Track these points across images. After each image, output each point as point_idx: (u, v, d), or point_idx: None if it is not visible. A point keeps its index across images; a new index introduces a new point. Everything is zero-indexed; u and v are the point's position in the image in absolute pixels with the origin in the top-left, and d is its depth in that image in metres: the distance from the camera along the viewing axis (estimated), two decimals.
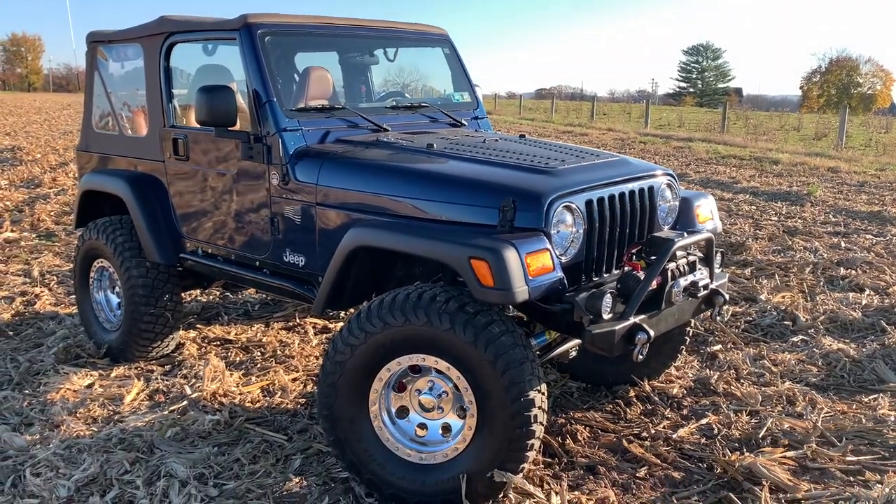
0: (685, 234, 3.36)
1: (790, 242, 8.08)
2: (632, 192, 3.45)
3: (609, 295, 3.01)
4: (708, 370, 4.64)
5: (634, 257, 3.32)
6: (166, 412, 3.97)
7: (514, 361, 2.92)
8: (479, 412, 2.99)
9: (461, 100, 4.72)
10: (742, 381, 4.50)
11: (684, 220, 3.83)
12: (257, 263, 4.02)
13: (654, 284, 3.16)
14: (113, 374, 4.55)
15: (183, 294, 5.08)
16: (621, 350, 3.06)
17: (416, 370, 3.15)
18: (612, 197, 3.33)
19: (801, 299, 5.98)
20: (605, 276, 3.40)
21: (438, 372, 3.09)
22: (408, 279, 3.65)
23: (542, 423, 3.01)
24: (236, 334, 5.23)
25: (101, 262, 4.81)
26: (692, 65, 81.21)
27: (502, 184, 3.17)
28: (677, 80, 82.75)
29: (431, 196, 3.26)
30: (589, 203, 3.22)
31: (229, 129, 3.77)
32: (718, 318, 3.64)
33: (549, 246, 2.98)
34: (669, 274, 3.22)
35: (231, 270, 4.16)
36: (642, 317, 3.13)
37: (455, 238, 2.98)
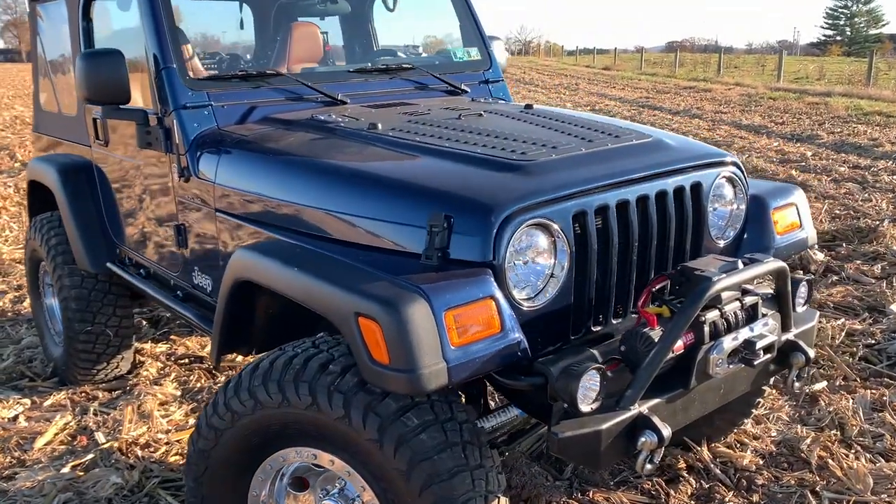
0: (740, 264, 2.14)
1: None
2: (662, 194, 2.26)
3: (594, 372, 1.87)
4: (801, 426, 3.35)
5: (653, 299, 2.14)
6: (67, 468, 3.15)
7: (441, 474, 1.87)
8: None
9: (466, 57, 3.58)
10: (850, 446, 3.20)
11: (756, 230, 2.60)
12: (172, 283, 3.10)
13: (679, 346, 1.99)
14: (48, 402, 3.80)
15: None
16: (615, 459, 1.93)
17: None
18: (624, 204, 2.16)
19: None
20: (617, 322, 2.25)
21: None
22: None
23: None
24: None
25: (45, 264, 4.05)
26: (840, 10, 74.09)
27: (437, 189, 2.07)
28: (823, 27, 76.01)
29: (347, 206, 2.20)
30: (581, 216, 2.07)
31: (121, 107, 2.83)
32: (797, 384, 2.40)
33: (495, 292, 1.86)
34: (707, 329, 2.03)
35: (147, 289, 3.25)
36: (656, 401, 1.97)
37: (345, 280, 1.91)
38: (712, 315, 2.05)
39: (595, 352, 2.08)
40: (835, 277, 5.28)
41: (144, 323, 4.73)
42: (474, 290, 1.84)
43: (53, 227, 3.84)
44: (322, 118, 2.71)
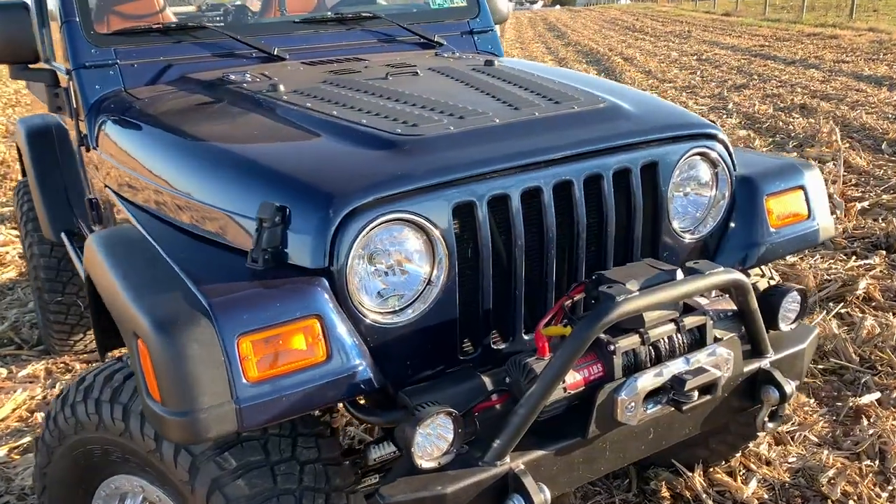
0: (679, 274, 1.62)
1: None
2: (595, 178, 1.77)
3: (444, 417, 1.44)
4: (830, 450, 2.77)
5: (566, 316, 1.66)
6: (5, 450, 2.99)
7: None
8: None
9: (447, 5, 3.10)
10: (888, 481, 2.61)
11: (743, 221, 2.04)
12: None
13: (579, 383, 1.53)
14: (24, 372, 3.68)
15: None
16: None
17: None
18: (535, 192, 1.69)
19: None
20: (529, 338, 1.80)
21: None
22: None
23: None
24: None
25: None
26: None
27: (277, 173, 1.67)
28: None
29: (195, 190, 1.81)
30: (467, 208, 1.62)
31: (30, 66, 2.56)
32: (770, 425, 1.87)
33: (324, 309, 1.45)
34: (618, 362, 1.55)
35: (77, 263, 3.02)
36: (539, 454, 1.53)
37: (141, 287, 1.54)
38: (629, 342, 1.56)
39: (486, 379, 1.65)
40: None
41: None
42: (291, 306, 1.43)
43: (28, 193, 3.68)
44: (231, 77, 2.32)
